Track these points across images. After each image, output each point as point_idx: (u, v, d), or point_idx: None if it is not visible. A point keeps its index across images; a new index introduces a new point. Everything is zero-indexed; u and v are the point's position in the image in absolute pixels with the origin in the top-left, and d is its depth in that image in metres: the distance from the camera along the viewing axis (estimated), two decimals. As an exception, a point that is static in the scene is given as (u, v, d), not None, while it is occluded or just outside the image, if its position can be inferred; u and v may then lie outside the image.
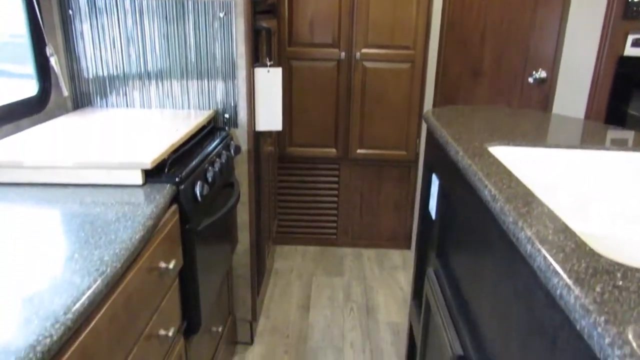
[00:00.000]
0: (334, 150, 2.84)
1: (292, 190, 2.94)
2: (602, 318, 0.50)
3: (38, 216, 1.01)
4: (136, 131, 1.46)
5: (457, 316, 1.12)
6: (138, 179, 1.18)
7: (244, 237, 1.98)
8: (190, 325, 1.36)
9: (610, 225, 1.03)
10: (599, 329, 0.49)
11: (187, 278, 1.29)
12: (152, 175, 1.22)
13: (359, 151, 2.82)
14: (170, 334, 1.14)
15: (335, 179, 2.90)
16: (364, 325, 2.29)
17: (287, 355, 2.08)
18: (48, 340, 0.65)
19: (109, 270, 0.82)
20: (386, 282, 2.67)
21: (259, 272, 2.18)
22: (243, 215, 1.95)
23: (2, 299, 0.72)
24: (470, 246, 1.08)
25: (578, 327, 0.53)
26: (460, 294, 1.16)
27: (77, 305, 0.72)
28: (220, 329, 1.74)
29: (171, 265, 1.10)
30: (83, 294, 0.75)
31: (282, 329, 2.25)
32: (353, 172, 2.89)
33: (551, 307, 0.64)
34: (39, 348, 0.63)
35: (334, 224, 3.00)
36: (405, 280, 2.68)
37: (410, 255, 2.96)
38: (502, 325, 0.85)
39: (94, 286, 0.77)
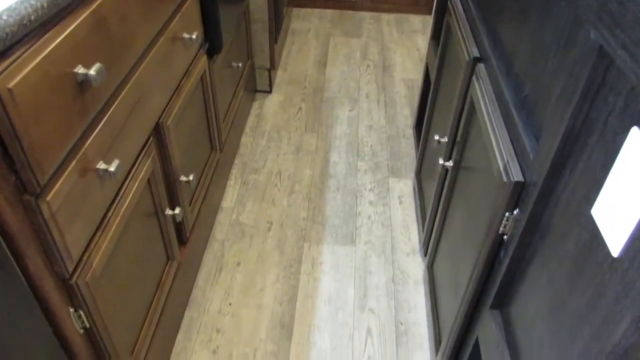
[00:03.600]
0: None
1: (310, -55, 2.73)
2: None
3: None
4: None
5: (478, 27, 1.12)
6: None
7: (260, -21, 1.90)
8: (212, 45, 1.39)
9: None
10: None
11: (206, -9, 1.28)
12: None
13: None
14: (194, 36, 1.17)
15: None
16: (379, 80, 2.34)
17: (304, 103, 2.18)
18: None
19: None
20: (404, 43, 2.64)
21: (277, 20, 2.15)
22: (259, -47, 1.84)
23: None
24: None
25: None
26: (483, 7, 1.15)
27: (103, -51, 0.72)
28: (240, 65, 1.78)
29: (190, -40, 1.08)
30: (107, -58, 0.74)
31: (300, 81, 2.31)
32: None
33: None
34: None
35: (354, -15, 2.86)
36: (423, 43, 2.65)
37: (430, 20, 2.87)
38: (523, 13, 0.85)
39: (117, -61, 0.76)
